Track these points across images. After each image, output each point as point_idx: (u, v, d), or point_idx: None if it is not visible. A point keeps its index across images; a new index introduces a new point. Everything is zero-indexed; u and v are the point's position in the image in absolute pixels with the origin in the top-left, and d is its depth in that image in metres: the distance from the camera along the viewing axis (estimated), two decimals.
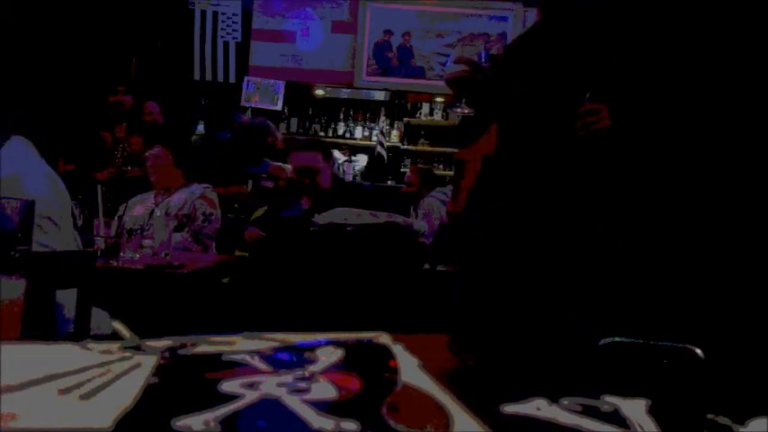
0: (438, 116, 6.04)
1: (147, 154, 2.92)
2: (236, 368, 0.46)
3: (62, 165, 3.19)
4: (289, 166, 2.99)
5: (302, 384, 0.43)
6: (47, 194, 1.44)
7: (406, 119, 6.10)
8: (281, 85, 5.43)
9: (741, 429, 0.40)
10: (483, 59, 1.63)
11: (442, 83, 2.32)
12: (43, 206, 1.38)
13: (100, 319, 1.44)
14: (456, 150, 2.55)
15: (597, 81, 1.16)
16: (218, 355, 0.49)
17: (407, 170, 5.24)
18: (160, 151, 2.87)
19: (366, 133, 6.11)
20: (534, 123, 1.26)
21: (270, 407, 0.39)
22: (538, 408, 0.41)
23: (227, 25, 5.47)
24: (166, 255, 2.19)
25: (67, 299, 1.40)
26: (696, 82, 1.10)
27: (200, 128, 5.32)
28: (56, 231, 1.46)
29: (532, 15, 5.31)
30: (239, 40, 5.47)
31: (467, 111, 1.87)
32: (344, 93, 6.00)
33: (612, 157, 1.15)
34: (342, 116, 6.14)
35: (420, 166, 5.32)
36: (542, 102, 1.25)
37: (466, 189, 2.30)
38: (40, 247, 1.37)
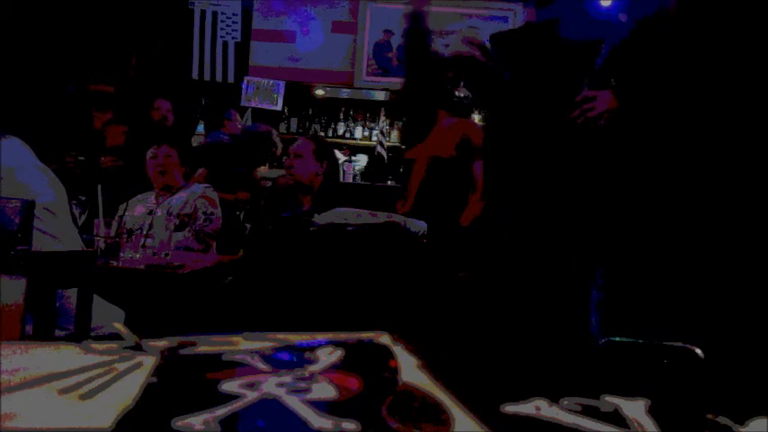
0: None
1: (154, 153, 2.85)
2: (236, 368, 0.46)
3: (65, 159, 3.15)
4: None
5: (302, 384, 0.43)
6: (40, 185, 1.47)
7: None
8: (281, 85, 5.43)
9: (741, 429, 0.40)
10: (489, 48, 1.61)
11: None
12: (38, 197, 1.40)
13: (112, 317, 1.45)
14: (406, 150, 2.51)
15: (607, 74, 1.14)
16: (218, 355, 0.49)
17: None
18: (170, 150, 2.86)
19: (366, 133, 6.09)
20: (530, 115, 1.25)
21: (270, 407, 0.39)
22: (538, 408, 0.41)
23: (227, 25, 5.47)
24: (167, 255, 2.19)
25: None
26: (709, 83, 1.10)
27: (200, 128, 5.32)
28: (52, 219, 1.48)
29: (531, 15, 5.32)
30: (239, 40, 5.47)
31: (463, 94, 1.87)
32: (344, 93, 5.99)
33: (613, 154, 1.15)
34: (342, 116, 6.13)
35: None
36: (538, 93, 1.24)
37: (414, 188, 2.32)
38: (38, 233, 1.40)
